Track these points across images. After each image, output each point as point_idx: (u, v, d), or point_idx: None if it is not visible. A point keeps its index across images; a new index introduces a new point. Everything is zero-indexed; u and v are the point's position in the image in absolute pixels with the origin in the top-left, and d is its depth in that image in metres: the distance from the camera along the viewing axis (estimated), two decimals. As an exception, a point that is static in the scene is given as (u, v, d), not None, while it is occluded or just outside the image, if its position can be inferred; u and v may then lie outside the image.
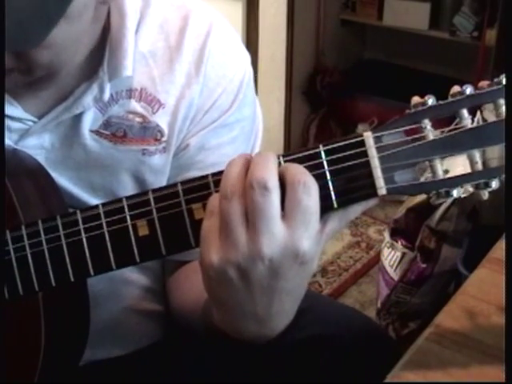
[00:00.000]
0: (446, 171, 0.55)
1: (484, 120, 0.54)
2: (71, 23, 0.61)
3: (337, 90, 2.68)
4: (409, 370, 0.63)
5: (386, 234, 1.73)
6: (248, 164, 0.54)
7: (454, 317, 0.69)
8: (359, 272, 2.10)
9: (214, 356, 0.80)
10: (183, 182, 0.58)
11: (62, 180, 0.75)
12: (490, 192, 0.55)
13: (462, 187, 0.54)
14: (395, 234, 1.70)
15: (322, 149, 0.55)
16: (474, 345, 0.65)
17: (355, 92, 2.72)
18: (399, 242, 1.68)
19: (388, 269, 1.70)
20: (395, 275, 1.68)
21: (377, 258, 1.98)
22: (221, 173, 0.56)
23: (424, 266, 1.62)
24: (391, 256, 1.69)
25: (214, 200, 0.55)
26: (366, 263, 2.13)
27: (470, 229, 1.55)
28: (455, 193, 0.54)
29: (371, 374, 0.68)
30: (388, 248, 1.71)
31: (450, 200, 0.56)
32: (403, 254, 1.66)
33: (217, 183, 0.56)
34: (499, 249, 0.78)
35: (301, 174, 0.53)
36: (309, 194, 0.53)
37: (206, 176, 0.57)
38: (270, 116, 2.46)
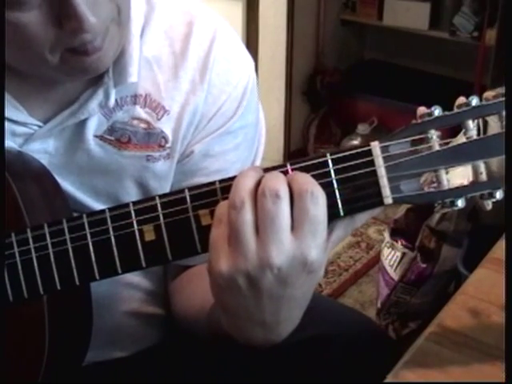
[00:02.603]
0: (451, 180, 0.55)
1: (484, 121, 0.54)
2: None
3: (337, 90, 2.68)
4: (409, 369, 0.63)
5: (386, 234, 1.73)
6: (258, 177, 0.55)
7: (453, 317, 0.69)
8: (359, 272, 2.10)
9: (215, 357, 0.80)
10: (190, 188, 0.58)
11: (66, 185, 0.75)
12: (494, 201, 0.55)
13: (466, 197, 0.55)
14: (395, 234, 1.70)
15: (329, 157, 0.56)
16: (473, 345, 0.65)
17: (355, 92, 2.72)
18: (399, 242, 1.68)
19: (388, 269, 1.71)
20: (395, 275, 1.68)
21: (377, 258, 1.98)
22: (228, 180, 0.57)
23: (424, 266, 1.62)
24: (391, 256, 1.69)
25: (222, 208, 0.56)
26: (366, 263, 2.14)
27: (470, 229, 1.55)
28: (460, 203, 0.55)
29: (371, 373, 0.68)
30: (388, 248, 1.71)
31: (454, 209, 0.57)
32: (403, 254, 1.66)
33: (224, 190, 0.57)
34: (499, 249, 0.79)
35: (308, 184, 0.54)
36: (316, 204, 0.53)
37: (213, 182, 0.58)
38: (270, 116, 2.46)
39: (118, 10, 0.64)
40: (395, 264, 1.68)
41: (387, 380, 0.62)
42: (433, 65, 2.74)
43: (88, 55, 0.63)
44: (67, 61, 0.63)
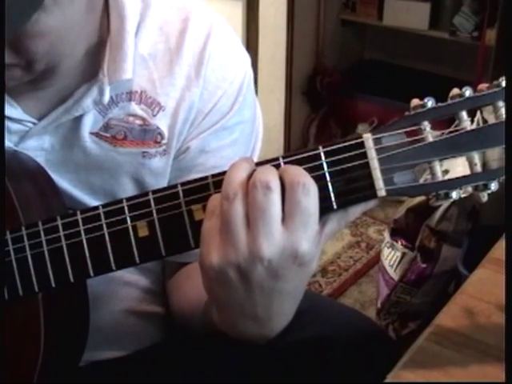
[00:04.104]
0: (446, 172, 0.55)
1: (484, 120, 0.54)
2: (63, 9, 0.60)
3: (337, 90, 2.68)
4: (409, 369, 0.63)
5: (386, 234, 1.74)
6: (250, 169, 0.55)
7: (453, 317, 0.69)
8: (359, 272, 2.10)
9: (214, 357, 0.80)
10: (183, 183, 0.58)
11: (62, 182, 0.75)
12: (489, 193, 0.55)
13: (461, 189, 0.55)
14: (395, 234, 1.70)
15: (321, 150, 0.55)
16: (473, 345, 0.65)
17: (355, 92, 2.72)
18: (399, 242, 1.68)
19: (388, 269, 1.71)
20: (395, 275, 1.68)
21: (377, 258, 1.98)
22: (221, 174, 0.57)
23: (424, 266, 1.62)
24: (391, 256, 1.69)
25: (214, 201, 0.56)
26: (366, 263, 2.14)
27: (470, 229, 1.55)
28: (454, 194, 0.55)
29: (371, 373, 0.68)
30: (388, 248, 1.71)
31: (449, 201, 0.57)
32: (403, 254, 1.66)
33: (216, 184, 0.57)
34: (499, 249, 0.78)
35: (300, 176, 0.54)
36: (308, 196, 0.53)
37: (206, 177, 0.58)
38: (270, 116, 2.46)
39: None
40: (395, 264, 1.68)
41: (387, 380, 0.62)
42: (433, 65, 2.75)
43: None
44: None
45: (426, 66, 2.76)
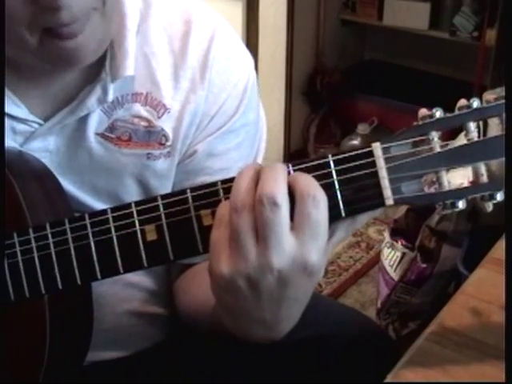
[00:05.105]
0: (451, 180, 0.55)
1: (484, 122, 0.55)
2: None
3: (337, 90, 2.68)
4: (409, 369, 0.63)
5: (386, 234, 1.74)
6: (257, 176, 0.55)
7: (454, 317, 0.69)
8: (359, 272, 2.10)
9: (215, 357, 0.80)
10: (192, 189, 0.58)
11: (66, 184, 0.75)
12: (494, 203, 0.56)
13: (467, 198, 0.55)
14: (395, 234, 1.70)
15: (330, 158, 0.56)
16: (474, 345, 0.65)
17: (355, 92, 2.72)
18: (399, 242, 1.68)
19: (388, 269, 1.71)
20: (395, 275, 1.68)
21: (377, 258, 1.98)
22: (230, 180, 0.57)
23: (424, 266, 1.62)
24: (391, 256, 1.69)
25: (222, 209, 0.56)
26: (366, 263, 2.14)
27: (470, 229, 1.55)
28: (461, 204, 0.55)
29: (371, 373, 0.68)
30: (388, 248, 1.71)
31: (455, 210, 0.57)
32: (403, 254, 1.66)
33: (226, 190, 0.57)
34: (499, 249, 0.79)
35: (310, 187, 0.54)
36: (318, 208, 0.53)
37: (215, 183, 0.58)
38: (270, 116, 2.44)
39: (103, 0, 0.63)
40: (395, 264, 1.68)
41: (387, 380, 0.62)
42: (433, 65, 2.75)
43: (63, 39, 0.61)
44: (45, 44, 0.62)
45: (425, 66, 2.76)
